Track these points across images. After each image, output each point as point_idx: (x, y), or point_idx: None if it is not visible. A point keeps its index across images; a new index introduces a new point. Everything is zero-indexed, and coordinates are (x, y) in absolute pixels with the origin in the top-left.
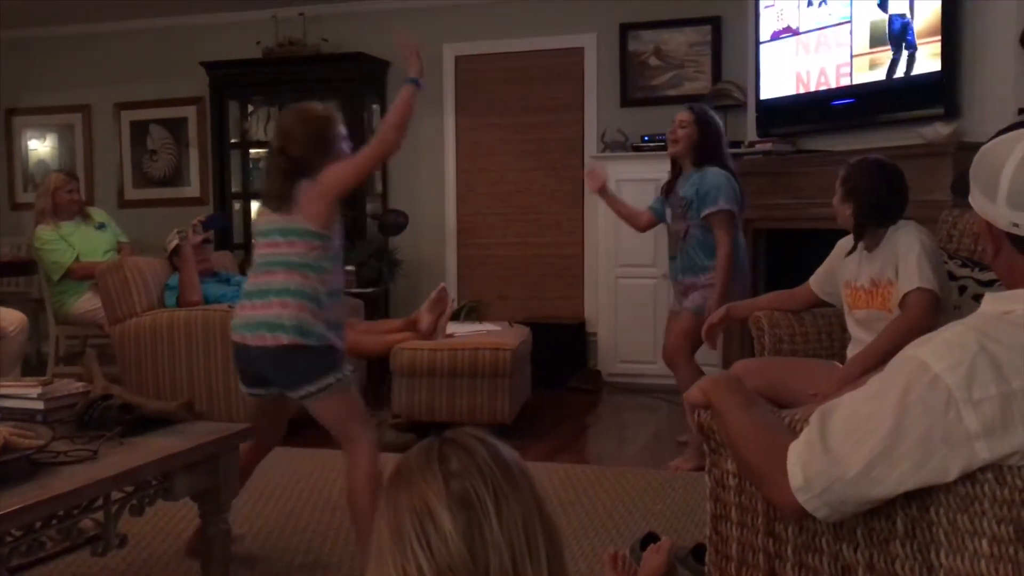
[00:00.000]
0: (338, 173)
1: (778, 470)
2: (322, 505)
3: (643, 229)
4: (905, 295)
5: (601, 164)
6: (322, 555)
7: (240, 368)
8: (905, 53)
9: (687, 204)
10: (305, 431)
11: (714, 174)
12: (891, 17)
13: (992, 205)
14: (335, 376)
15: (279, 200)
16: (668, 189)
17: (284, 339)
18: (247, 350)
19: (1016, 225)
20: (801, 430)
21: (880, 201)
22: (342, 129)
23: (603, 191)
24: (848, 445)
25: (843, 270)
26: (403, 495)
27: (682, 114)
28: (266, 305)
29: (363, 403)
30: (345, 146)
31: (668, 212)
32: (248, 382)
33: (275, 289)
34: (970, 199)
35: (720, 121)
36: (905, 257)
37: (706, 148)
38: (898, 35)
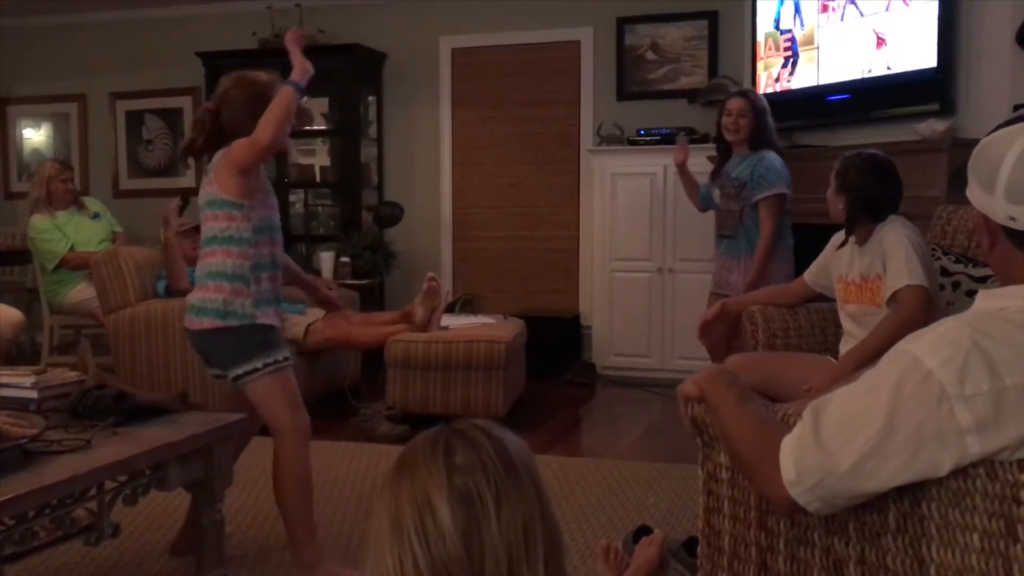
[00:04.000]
0: (239, 149)
1: (771, 464)
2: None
3: (701, 210)
4: (896, 292)
5: (685, 140)
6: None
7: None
8: (902, 51)
9: (741, 185)
10: None
11: (772, 158)
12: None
13: (990, 198)
14: (263, 360)
15: (187, 152)
16: (716, 173)
17: (206, 322)
18: (188, 333)
19: (1013, 219)
20: (794, 424)
21: (872, 196)
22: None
23: (684, 166)
24: (841, 439)
25: (836, 264)
26: (406, 485)
27: (738, 103)
28: (201, 288)
29: (297, 391)
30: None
31: (717, 192)
32: (205, 363)
33: (207, 272)
34: (967, 192)
35: (766, 101)
36: (893, 254)
37: (763, 132)
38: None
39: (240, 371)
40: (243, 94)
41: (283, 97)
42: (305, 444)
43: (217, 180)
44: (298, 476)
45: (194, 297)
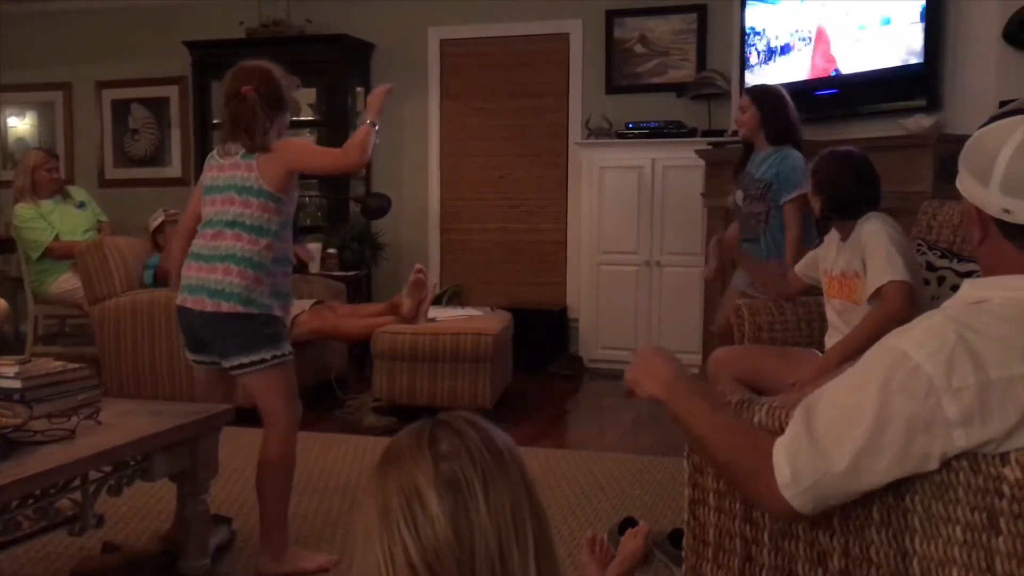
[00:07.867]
0: (303, 153)
1: (764, 468)
2: (304, 488)
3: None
4: (880, 288)
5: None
6: (303, 537)
7: (183, 331)
8: (888, 45)
9: (767, 186)
10: None
11: (795, 156)
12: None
13: (984, 190)
14: (271, 352)
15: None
16: (737, 171)
17: (224, 306)
18: (188, 313)
19: (1008, 211)
20: (781, 418)
21: (845, 194)
22: (285, 79)
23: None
24: (833, 436)
25: (823, 257)
26: (392, 476)
27: (741, 100)
28: (211, 268)
29: (295, 384)
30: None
31: (739, 195)
32: (191, 347)
33: (221, 253)
34: (957, 183)
35: (782, 91)
36: (873, 251)
37: (775, 124)
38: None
39: (245, 360)
40: (268, 89)
41: (364, 131)
42: (295, 435)
43: (262, 170)
44: (284, 466)
45: (205, 278)
